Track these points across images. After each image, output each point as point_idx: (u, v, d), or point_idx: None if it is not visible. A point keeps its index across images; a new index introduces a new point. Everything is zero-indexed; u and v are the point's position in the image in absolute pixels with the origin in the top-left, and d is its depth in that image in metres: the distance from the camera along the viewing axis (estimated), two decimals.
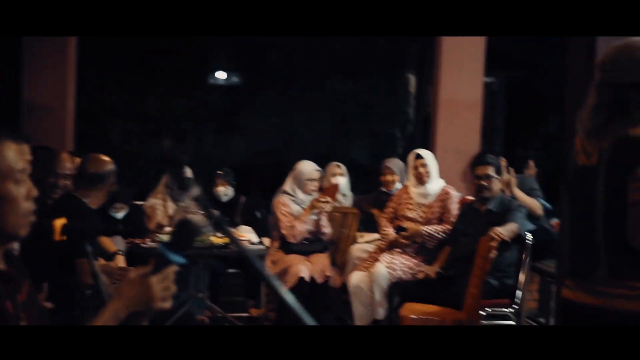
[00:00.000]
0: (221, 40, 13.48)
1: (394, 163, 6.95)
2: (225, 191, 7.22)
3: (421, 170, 6.09)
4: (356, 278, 5.93)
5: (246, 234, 6.48)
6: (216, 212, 1.89)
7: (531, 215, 6.75)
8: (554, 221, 7.63)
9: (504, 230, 5.34)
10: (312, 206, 6.26)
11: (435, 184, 6.15)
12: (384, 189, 6.89)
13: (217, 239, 5.91)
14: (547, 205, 7.13)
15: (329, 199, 6.27)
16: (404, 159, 6.68)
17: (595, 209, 2.68)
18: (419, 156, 6.15)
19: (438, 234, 5.97)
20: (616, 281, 2.62)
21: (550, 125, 16.76)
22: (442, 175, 6.38)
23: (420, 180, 6.10)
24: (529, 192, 7.00)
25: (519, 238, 5.57)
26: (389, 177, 6.86)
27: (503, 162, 6.91)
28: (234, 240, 1.97)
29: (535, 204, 6.88)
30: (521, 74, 16.16)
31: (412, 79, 15.29)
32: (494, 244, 5.18)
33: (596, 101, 2.74)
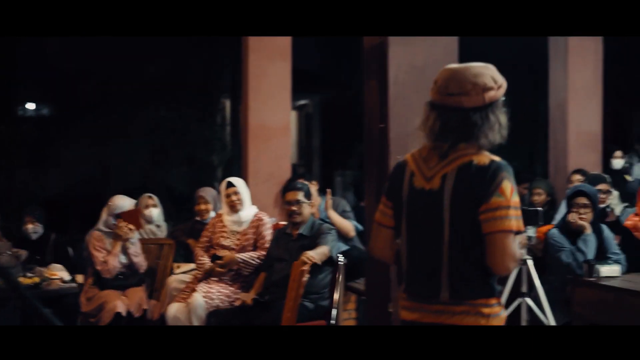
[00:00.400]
0: (28, 71, 13.08)
1: (207, 192, 6.99)
2: (34, 229, 6.99)
3: (233, 198, 6.16)
4: (174, 309, 5.90)
5: (58, 272, 6.30)
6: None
7: (344, 237, 6.99)
8: None
9: (315, 254, 5.49)
10: (116, 236, 6.18)
11: (248, 211, 6.23)
12: (198, 218, 6.92)
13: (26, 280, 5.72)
14: (359, 226, 7.39)
15: (130, 225, 6.20)
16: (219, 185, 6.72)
17: (437, 234, 2.71)
18: (230, 184, 6.21)
19: (253, 260, 6.04)
20: (457, 301, 2.71)
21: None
22: (255, 201, 6.47)
23: (233, 208, 6.16)
24: (342, 214, 7.24)
25: (331, 260, 5.73)
26: (202, 206, 6.90)
27: (314, 185, 7.11)
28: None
29: (348, 226, 7.12)
30: (334, 94, 16.60)
31: (227, 105, 15.40)
32: (306, 267, 5.31)
33: (437, 125, 2.74)
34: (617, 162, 8.73)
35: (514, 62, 11.86)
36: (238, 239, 6.15)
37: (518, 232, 2.65)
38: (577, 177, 7.68)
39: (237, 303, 5.82)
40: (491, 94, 2.71)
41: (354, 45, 12.53)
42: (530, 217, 3.28)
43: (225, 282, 6.04)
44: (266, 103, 7.72)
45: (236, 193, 6.17)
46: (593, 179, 6.98)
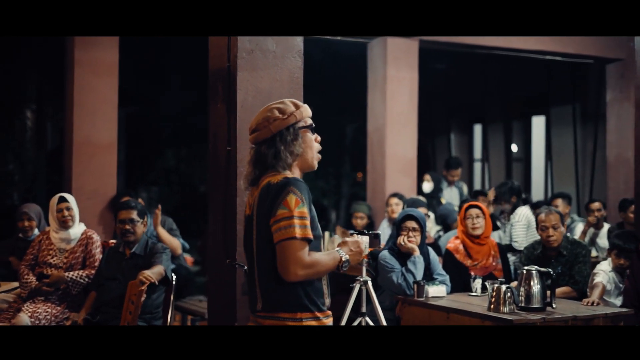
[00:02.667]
0: None
1: (31, 208, 6.72)
2: None
3: (65, 213, 5.98)
4: None
5: None
6: None
7: (172, 255, 6.96)
8: (188, 257, 7.92)
9: (152, 274, 5.44)
10: None
11: (78, 228, 6.07)
12: (21, 235, 6.63)
13: None
14: (186, 244, 7.38)
15: None
16: (25, 199, 6.49)
17: (251, 252, 3.02)
18: (62, 199, 6.03)
19: (82, 279, 5.89)
20: (270, 313, 2.95)
21: (168, 158, 17.18)
22: (80, 218, 6.31)
23: (65, 224, 5.98)
24: (170, 232, 7.21)
25: (165, 279, 5.70)
26: (26, 223, 6.61)
27: (141, 202, 7.02)
28: None
29: (176, 243, 7.11)
30: (138, 108, 16.34)
31: (31, 115, 14.78)
32: (144, 287, 5.26)
33: (249, 159, 3.11)
34: (427, 186, 9.23)
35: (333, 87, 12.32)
36: (66, 257, 5.98)
37: (306, 239, 2.89)
38: (395, 200, 8.07)
39: (67, 323, 5.65)
40: (276, 124, 3.05)
41: (160, 58, 12.48)
42: (371, 241, 3.46)
43: (52, 302, 5.84)
44: (92, 118, 7.56)
45: (68, 209, 6.00)
46: (412, 203, 7.37)
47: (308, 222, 2.91)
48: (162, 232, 6.94)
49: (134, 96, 16.41)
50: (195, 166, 16.21)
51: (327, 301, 3.05)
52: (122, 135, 17.65)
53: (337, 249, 3.06)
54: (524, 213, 7.33)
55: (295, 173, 3.09)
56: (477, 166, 14.71)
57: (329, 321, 3.02)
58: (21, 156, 13.83)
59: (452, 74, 13.90)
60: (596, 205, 8.27)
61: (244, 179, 3.13)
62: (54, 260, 5.96)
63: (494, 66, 13.01)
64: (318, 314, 2.97)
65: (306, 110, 3.13)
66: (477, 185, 14.26)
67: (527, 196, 8.81)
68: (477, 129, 14.81)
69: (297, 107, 3.10)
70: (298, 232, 2.86)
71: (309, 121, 3.13)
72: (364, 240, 3.19)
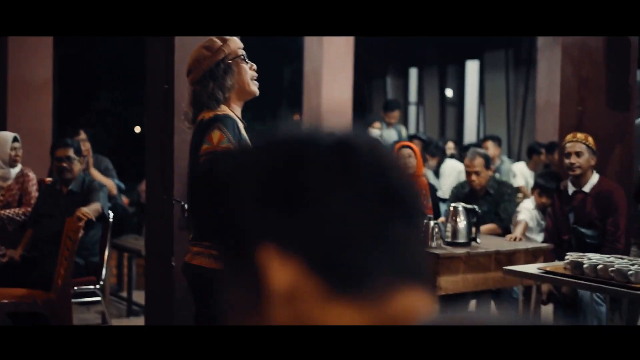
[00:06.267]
0: None
1: None
2: None
3: (19, 153, 6.00)
4: None
5: None
6: None
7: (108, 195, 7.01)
8: (125, 199, 7.98)
9: (90, 210, 5.52)
10: None
11: (16, 167, 6.09)
12: None
13: None
14: (121, 184, 7.42)
15: None
16: None
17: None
18: (16, 139, 6.03)
19: (18, 217, 5.93)
20: (196, 242, 3.09)
21: (102, 100, 17.01)
22: None
23: (14, 163, 5.99)
24: (105, 172, 7.24)
25: (102, 216, 5.78)
26: None
27: (84, 141, 7.03)
28: None
29: (111, 184, 7.15)
30: (73, 50, 16.09)
31: None
32: (81, 224, 5.33)
33: (188, 100, 3.22)
34: (375, 133, 9.40)
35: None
36: (2, 195, 6.00)
37: None
38: None
39: (4, 260, 5.70)
40: (207, 62, 3.15)
41: None
42: None
43: None
44: (27, 58, 7.49)
45: (19, 149, 6.02)
46: None
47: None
48: (96, 174, 6.98)
49: (70, 38, 16.17)
50: (130, 108, 16.10)
51: None
52: (56, 76, 17.45)
53: None
54: (450, 165, 7.71)
55: (235, 106, 3.20)
56: (412, 109, 14.93)
57: None
58: None
59: None
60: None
61: (183, 120, 3.23)
62: None
63: None
64: None
65: (234, 42, 3.22)
66: (412, 128, 14.49)
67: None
68: (413, 73, 15.01)
69: (223, 41, 3.18)
70: None
71: (240, 52, 3.21)
72: None
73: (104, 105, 16.93)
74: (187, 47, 4.63)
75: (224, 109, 3.13)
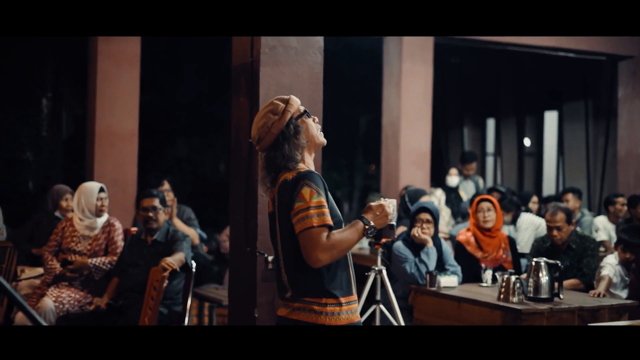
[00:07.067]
0: None
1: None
2: None
3: (105, 203, 6.20)
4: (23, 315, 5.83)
5: None
6: None
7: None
8: (204, 246, 8.11)
9: (174, 260, 5.64)
10: None
11: (103, 216, 6.27)
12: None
13: None
14: (203, 234, 7.56)
15: None
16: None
17: (277, 245, 3.22)
18: (102, 189, 6.23)
19: (104, 265, 6.09)
20: (297, 298, 3.14)
21: (180, 148, 17.29)
22: None
23: (101, 213, 6.19)
24: (187, 222, 7.39)
25: (185, 266, 5.89)
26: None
27: (168, 192, 7.20)
28: None
29: (193, 233, 7.28)
30: (150, 98, 16.48)
31: (47, 103, 14.95)
32: (166, 274, 5.45)
33: (261, 165, 3.26)
34: (453, 180, 9.37)
35: (346, 78, 12.45)
36: (89, 244, 6.17)
37: (325, 226, 3.05)
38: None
39: (90, 308, 5.85)
40: (276, 126, 3.19)
41: (176, 48, 12.61)
42: (386, 231, 3.62)
43: (75, 287, 6.05)
44: (114, 108, 7.74)
45: (105, 199, 6.22)
46: (415, 193, 7.47)
47: (326, 209, 3.07)
48: (179, 223, 7.12)
49: (149, 86, 16.58)
50: (207, 155, 16.36)
51: (353, 288, 3.22)
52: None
53: (361, 216, 3.20)
54: (527, 219, 7.67)
55: (308, 160, 3.26)
56: (490, 160, 14.83)
57: (352, 307, 3.18)
58: (37, 144, 14.03)
59: (466, 69, 14.02)
60: (621, 200, 8.46)
61: (261, 184, 3.30)
62: (77, 247, 6.16)
63: (507, 61, 13.13)
64: (341, 299, 3.14)
65: (294, 101, 3.27)
66: (489, 179, 14.39)
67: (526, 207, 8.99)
68: (490, 123, 14.92)
69: (285, 102, 3.25)
70: (315, 221, 3.02)
71: (302, 109, 3.28)
72: (391, 202, 3.25)
73: (180, 152, 17.26)
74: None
75: (302, 166, 3.20)
